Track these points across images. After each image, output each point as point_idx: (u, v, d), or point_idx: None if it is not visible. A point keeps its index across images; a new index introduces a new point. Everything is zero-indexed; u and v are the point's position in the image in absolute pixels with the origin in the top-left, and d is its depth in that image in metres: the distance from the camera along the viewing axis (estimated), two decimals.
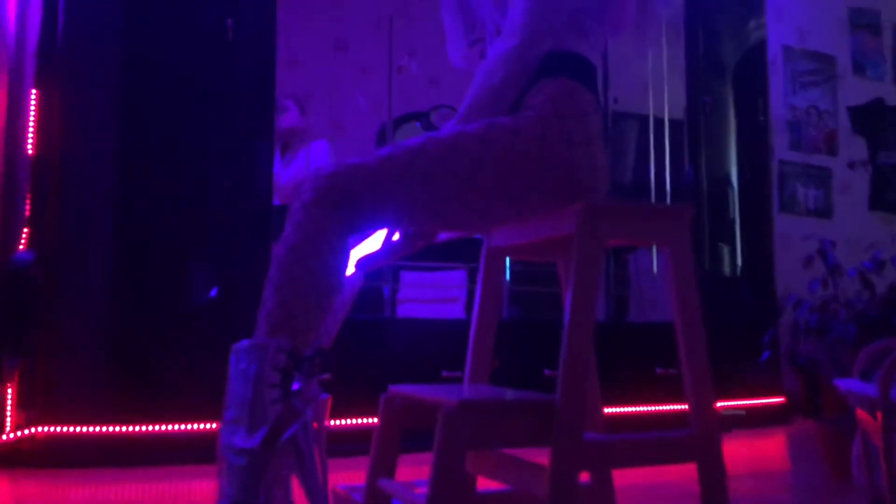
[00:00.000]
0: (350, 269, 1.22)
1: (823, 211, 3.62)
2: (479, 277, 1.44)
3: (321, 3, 4.14)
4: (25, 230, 1.94)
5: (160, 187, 2.07)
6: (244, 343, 0.99)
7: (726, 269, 2.99)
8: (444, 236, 1.31)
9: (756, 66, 3.13)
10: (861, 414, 1.33)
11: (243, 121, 2.13)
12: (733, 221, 3.00)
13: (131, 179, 2.04)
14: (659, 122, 3.72)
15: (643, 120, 3.81)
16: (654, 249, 3.81)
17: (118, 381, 1.99)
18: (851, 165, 3.67)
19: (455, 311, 2.89)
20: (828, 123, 3.65)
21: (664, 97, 3.54)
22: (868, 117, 3.75)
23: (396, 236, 1.25)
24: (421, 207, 1.16)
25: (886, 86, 3.83)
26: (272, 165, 2.23)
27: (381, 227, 1.21)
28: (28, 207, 1.95)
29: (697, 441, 1.16)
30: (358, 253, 1.25)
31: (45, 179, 1.96)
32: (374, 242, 1.26)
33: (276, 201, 2.79)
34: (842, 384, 1.37)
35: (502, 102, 1.20)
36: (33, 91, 1.97)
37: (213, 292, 2.18)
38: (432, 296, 3.11)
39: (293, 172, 2.78)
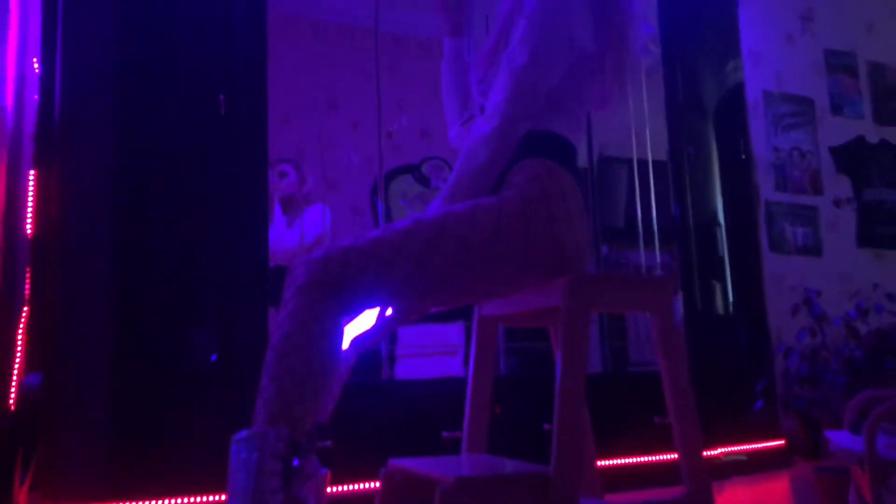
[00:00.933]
0: (345, 345, 1.25)
1: (813, 249, 3.67)
2: (473, 346, 1.47)
3: (313, 61, 4.24)
4: (25, 309, 1.97)
5: (158, 259, 2.11)
6: (244, 433, 1.02)
7: (719, 307, 3.01)
8: (437, 308, 1.35)
9: (736, 106, 3.20)
10: (853, 467, 1.35)
11: (238, 191, 2.17)
12: (723, 259, 3.04)
13: (130, 253, 2.08)
14: (644, 165, 3.79)
15: (629, 163, 3.88)
16: None
17: (121, 455, 1.99)
18: (837, 203, 3.73)
19: (454, 365, 2.91)
20: (811, 163, 3.73)
21: (647, 140, 3.62)
22: (850, 156, 3.83)
23: (389, 311, 1.28)
24: (412, 288, 1.20)
25: (866, 124, 3.91)
26: (267, 232, 2.27)
27: (374, 307, 1.24)
28: (28, 286, 1.98)
29: (690, 500, 1.19)
30: (352, 330, 1.28)
31: (44, 258, 2.00)
32: (367, 319, 1.29)
33: (280, 262, 2.84)
34: (832, 438, 1.39)
35: (486, 182, 1.25)
36: (32, 171, 2.01)
37: (213, 357, 2.21)
38: (431, 349, 3.13)
39: (295, 236, 2.83)
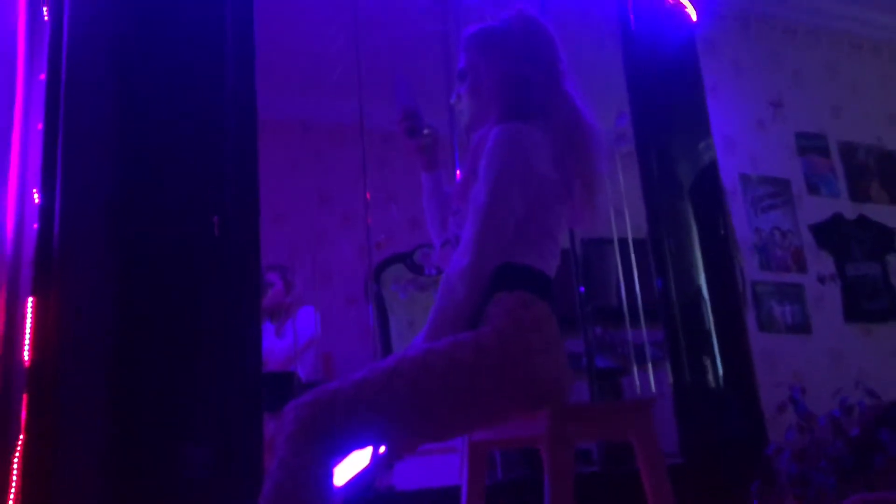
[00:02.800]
0: (340, 482, 1.28)
1: (802, 326, 3.71)
2: (464, 471, 1.49)
3: (304, 159, 4.37)
4: (21, 437, 1.98)
5: (154, 380, 2.13)
6: None
7: (710, 382, 3.02)
8: (428, 444, 1.38)
9: (711, 185, 3.29)
10: None
11: (232, 308, 2.23)
12: (709, 333, 3.07)
13: (126, 377, 2.11)
14: (629, 244, 3.87)
15: (608, 244, 3.97)
16: (651, 371, 3.87)
17: None
18: (822, 280, 3.80)
19: (455, 464, 2.90)
20: (792, 242, 3.82)
21: (626, 220, 3.71)
22: (830, 233, 3.92)
23: (382, 450, 1.32)
24: (399, 427, 1.24)
25: (842, 201, 4.03)
26: (261, 347, 2.31)
27: (364, 447, 1.28)
28: (24, 414, 2.00)
29: None
30: (347, 469, 1.31)
31: (41, 386, 2.02)
32: (361, 458, 1.32)
33: (273, 368, 2.87)
34: None
35: (464, 317, 1.30)
36: (30, 298, 2.06)
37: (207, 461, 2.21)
38: (431, 448, 3.13)
39: (285, 342, 2.87)
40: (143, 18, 2.33)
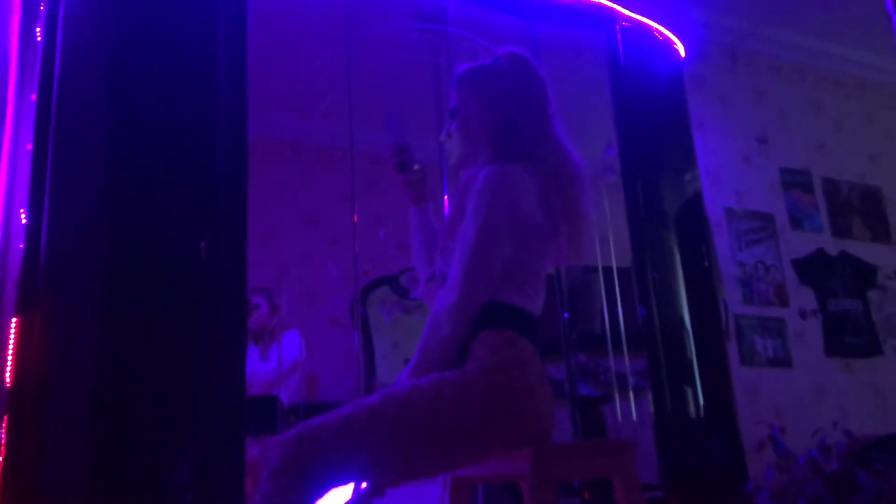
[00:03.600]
0: None
1: (783, 360, 3.75)
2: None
3: (293, 181, 4.38)
4: None
5: (139, 402, 2.12)
6: None
7: (691, 413, 3.03)
8: (410, 481, 1.38)
9: (695, 215, 3.33)
10: None
11: (217, 333, 2.22)
12: (691, 364, 3.09)
13: (110, 399, 2.09)
14: (613, 272, 3.90)
15: (593, 271, 4.00)
16: (632, 400, 3.88)
17: None
18: (803, 315, 3.84)
19: (435, 493, 2.90)
20: (775, 277, 3.86)
21: (611, 248, 3.74)
22: (812, 268, 3.97)
23: (364, 484, 1.32)
24: (382, 466, 1.24)
25: (825, 237, 4.09)
26: (244, 370, 2.31)
27: (346, 483, 1.28)
28: (3, 437, 1.98)
29: None
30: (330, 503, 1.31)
31: (22, 407, 2.01)
32: (343, 493, 1.32)
33: (255, 392, 2.86)
34: None
35: (449, 354, 1.31)
36: (14, 319, 2.05)
37: (189, 498, 2.20)
38: None
39: (269, 366, 2.86)
40: (137, 40, 2.34)
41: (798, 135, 4.15)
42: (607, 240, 3.59)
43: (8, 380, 2.02)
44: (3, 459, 1.97)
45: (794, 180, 4.09)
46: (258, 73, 2.57)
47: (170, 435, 2.14)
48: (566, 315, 3.77)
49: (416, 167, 1.58)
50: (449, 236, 1.44)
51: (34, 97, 2.23)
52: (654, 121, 3.30)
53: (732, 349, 3.61)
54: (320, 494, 1.21)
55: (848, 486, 1.70)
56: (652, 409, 3.01)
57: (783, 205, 4.01)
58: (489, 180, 1.37)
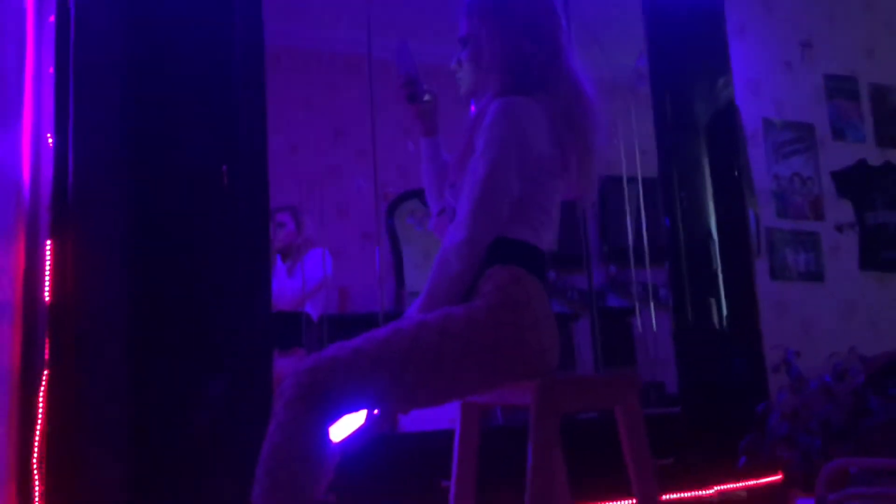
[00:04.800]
0: (337, 437, 1.35)
1: (815, 275, 3.71)
2: (457, 430, 1.56)
3: (319, 93, 4.34)
4: (45, 371, 2.09)
5: (170, 318, 2.23)
6: None
7: (714, 322, 3.03)
8: (419, 408, 1.44)
9: (727, 124, 3.23)
10: None
11: (242, 252, 2.29)
12: (716, 275, 3.07)
13: (143, 314, 2.20)
14: (643, 183, 3.85)
15: (635, 182, 3.95)
16: (652, 309, 3.91)
17: None
18: (839, 228, 3.76)
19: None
20: (812, 189, 3.76)
21: (637, 158, 3.67)
22: (852, 180, 3.85)
23: (377, 411, 1.38)
24: (392, 394, 1.29)
25: (868, 147, 3.93)
26: (270, 288, 2.39)
27: (359, 410, 1.34)
28: (47, 350, 2.10)
29: None
30: (341, 428, 1.38)
31: (62, 323, 2.12)
32: (356, 417, 1.39)
33: (284, 307, 2.96)
34: None
35: (458, 291, 1.34)
36: (48, 241, 2.13)
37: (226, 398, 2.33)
38: None
39: (297, 282, 2.94)
40: None
41: (846, 38, 3.92)
42: (635, 152, 3.52)
43: (47, 298, 2.12)
44: (48, 370, 2.09)
45: (839, 87, 3.90)
46: None
47: (201, 348, 2.25)
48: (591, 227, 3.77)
49: (426, 97, 1.56)
50: (458, 171, 1.43)
51: (52, 19, 2.22)
52: (686, 26, 3.15)
53: (763, 263, 3.57)
54: (332, 421, 1.27)
55: (859, 410, 1.72)
56: (672, 321, 3.02)
57: (825, 114, 3.85)
58: (498, 115, 1.35)
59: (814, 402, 1.78)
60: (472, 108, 1.50)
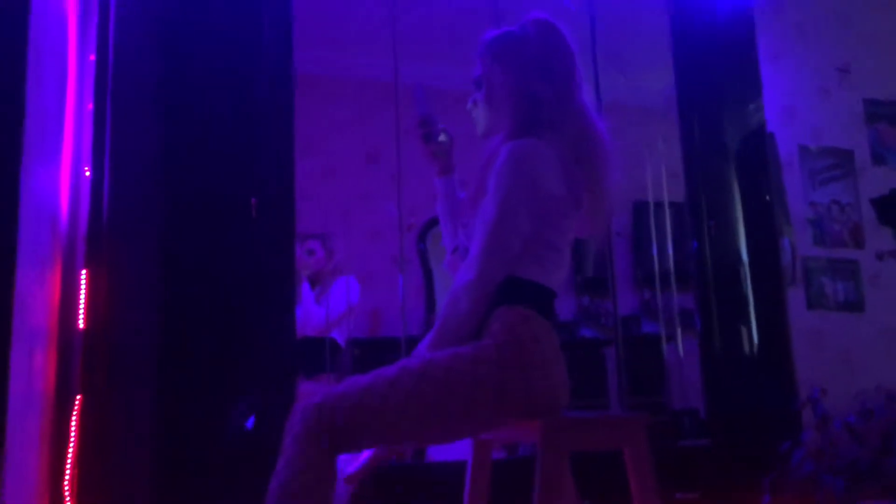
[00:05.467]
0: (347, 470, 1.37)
1: (855, 304, 3.61)
2: (469, 465, 1.56)
3: (352, 119, 4.42)
4: (78, 397, 2.17)
5: (198, 345, 2.29)
6: None
7: (745, 350, 2.95)
8: (426, 446, 1.45)
9: (758, 149, 3.17)
10: None
11: (268, 280, 2.35)
12: (746, 300, 2.99)
13: (171, 341, 2.27)
14: (670, 208, 3.80)
15: (665, 207, 3.91)
16: (679, 335, 3.84)
17: None
18: (880, 256, 3.66)
19: None
20: (851, 216, 3.67)
21: (664, 183, 3.63)
22: (894, 207, 3.75)
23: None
24: (398, 433, 1.31)
25: None
26: (294, 314, 2.46)
27: (365, 449, 1.36)
28: (80, 376, 2.18)
29: None
30: (348, 461, 1.40)
31: (95, 349, 2.20)
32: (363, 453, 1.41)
33: (311, 333, 3.01)
34: None
35: (467, 330, 1.35)
36: (83, 271, 2.22)
37: (251, 421, 2.38)
38: None
39: (323, 312, 3.00)
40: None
41: (886, 62, 3.84)
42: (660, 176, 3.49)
43: (81, 325, 2.20)
44: (81, 395, 2.17)
45: (880, 112, 3.81)
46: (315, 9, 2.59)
47: (227, 372, 2.31)
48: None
49: (441, 137, 1.58)
50: (471, 210, 1.45)
51: (93, 57, 2.32)
52: (715, 51, 3.14)
53: (799, 292, 3.50)
54: (338, 458, 1.29)
55: (885, 451, 1.67)
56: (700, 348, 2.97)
57: (865, 139, 3.76)
58: (509, 157, 1.36)
59: (840, 440, 1.74)
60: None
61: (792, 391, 2.83)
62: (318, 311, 2.98)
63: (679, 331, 3.63)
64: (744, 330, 2.95)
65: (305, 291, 3.05)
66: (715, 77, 3.10)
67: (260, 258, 2.33)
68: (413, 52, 3.47)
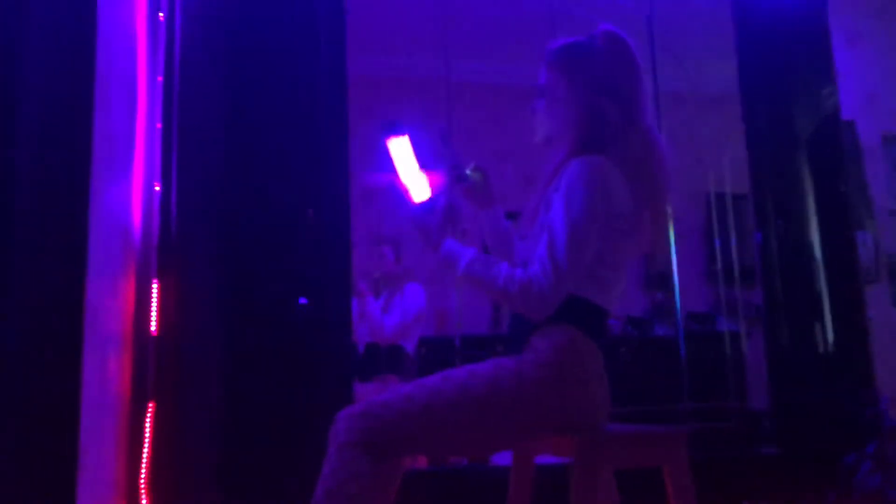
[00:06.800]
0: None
1: None
2: (511, 474, 1.57)
3: (428, 117, 4.48)
4: (151, 403, 2.30)
5: (260, 347, 2.40)
6: None
7: (818, 349, 2.82)
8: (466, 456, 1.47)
9: (832, 138, 3.01)
10: None
11: (325, 286, 2.43)
12: (819, 297, 2.86)
13: (236, 345, 2.38)
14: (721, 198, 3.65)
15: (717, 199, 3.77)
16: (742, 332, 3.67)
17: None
18: None
19: None
20: None
21: (725, 172, 3.48)
22: None
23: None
24: (439, 442, 1.34)
25: None
26: (350, 319, 2.56)
27: (408, 456, 1.39)
28: (153, 379, 2.31)
29: None
30: None
31: (167, 352, 2.33)
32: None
33: (383, 341, 3.10)
34: None
35: (487, 296, 1.33)
36: (155, 281, 2.35)
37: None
38: None
39: (394, 320, 3.07)
40: (244, 14, 2.51)
41: None
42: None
43: (154, 330, 2.33)
44: (154, 398, 2.30)
45: None
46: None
47: (289, 377, 2.40)
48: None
49: (468, 172, 1.55)
50: (530, 223, 1.42)
51: (160, 79, 2.45)
52: (782, 34, 2.99)
53: (882, 289, 3.32)
54: (383, 466, 1.32)
55: None
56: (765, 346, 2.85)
57: None
58: (581, 174, 1.34)
59: None
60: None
61: (870, 394, 2.69)
62: (389, 321, 3.06)
63: (742, 328, 3.50)
64: (817, 328, 2.81)
65: (371, 303, 3.13)
66: (782, 62, 2.96)
67: (317, 265, 2.41)
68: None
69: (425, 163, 1.56)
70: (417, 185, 1.56)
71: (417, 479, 2.31)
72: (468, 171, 1.55)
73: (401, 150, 1.56)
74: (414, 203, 1.54)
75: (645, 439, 1.37)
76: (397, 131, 1.56)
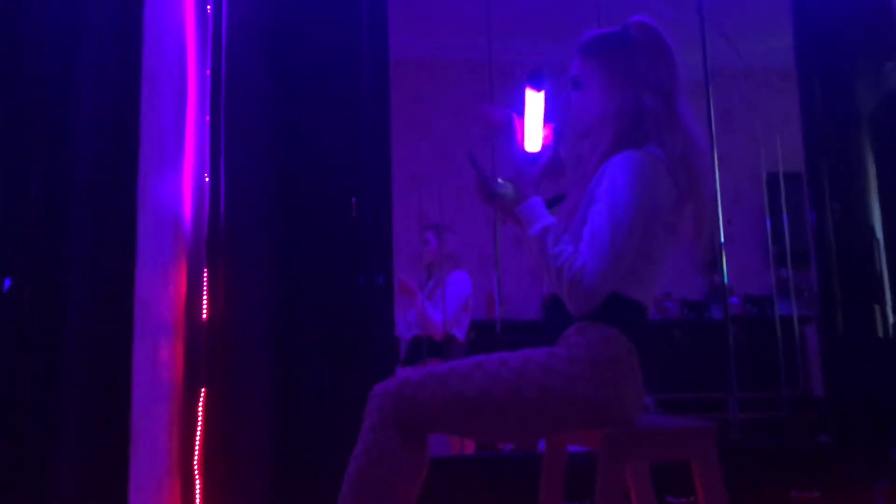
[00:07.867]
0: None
1: None
2: (543, 464, 1.58)
3: (469, 102, 4.47)
4: (203, 389, 2.39)
5: (305, 335, 2.47)
6: None
7: (878, 333, 2.69)
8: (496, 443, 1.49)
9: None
10: None
11: (368, 285, 2.48)
12: (880, 278, 2.72)
13: (283, 334, 2.45)
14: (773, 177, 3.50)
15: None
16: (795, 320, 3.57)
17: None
18: None
19: None
20: None
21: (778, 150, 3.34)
22: None
23: None
24: (468, 427, 1.38)
25: None
26: (393, 304, 2.59)
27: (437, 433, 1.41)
28: (204, 363, 2.40)
29: None
30: None
31: (217, 338, 2.41)
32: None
33: (434, 334, 3.12)
34: None
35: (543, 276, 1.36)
36: (205, 269, 2.43)
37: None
38: None
39: (439, 317, 3.10)
40: (287, 4, 2.55)
41: None
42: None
43: (204, 316, 2.42)
44: (206, 385, 2.39)
45: None
46: None
47: (334, 363, 2.45)
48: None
49: (502, 191, 1.54)
50: (569, 217, 1.40)
51: (209, 72, 2.51)
52: (841, 5, 2.84)
53: None
54: (415, 447, 1.35)
55: None
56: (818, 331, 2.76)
57: None
58: (626, 169, 1.32)
59: None
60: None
61: None
62: (437, 317, 3.08)
63: (795, 315, 3.36)
64: (877, 311, 2.70)
65: (423, 303, 3.15)
66: (842, 36, 2.82)
67: (359, 253, 2.46)
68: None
69: (550, 119, 1.57)
70: (535, 136, 1.58)
71: (452, 466, 2.36)
72: (502, 190, 1.53)
73: (535, 102, 1.57)
74: (524, 150, 1.56)
75: (671, 435, 1.36)
76: (537, 85, 1.57)
